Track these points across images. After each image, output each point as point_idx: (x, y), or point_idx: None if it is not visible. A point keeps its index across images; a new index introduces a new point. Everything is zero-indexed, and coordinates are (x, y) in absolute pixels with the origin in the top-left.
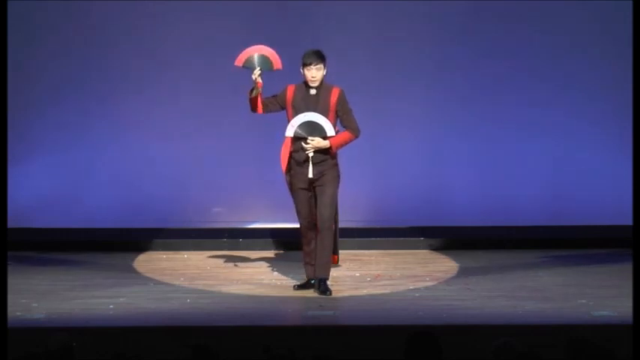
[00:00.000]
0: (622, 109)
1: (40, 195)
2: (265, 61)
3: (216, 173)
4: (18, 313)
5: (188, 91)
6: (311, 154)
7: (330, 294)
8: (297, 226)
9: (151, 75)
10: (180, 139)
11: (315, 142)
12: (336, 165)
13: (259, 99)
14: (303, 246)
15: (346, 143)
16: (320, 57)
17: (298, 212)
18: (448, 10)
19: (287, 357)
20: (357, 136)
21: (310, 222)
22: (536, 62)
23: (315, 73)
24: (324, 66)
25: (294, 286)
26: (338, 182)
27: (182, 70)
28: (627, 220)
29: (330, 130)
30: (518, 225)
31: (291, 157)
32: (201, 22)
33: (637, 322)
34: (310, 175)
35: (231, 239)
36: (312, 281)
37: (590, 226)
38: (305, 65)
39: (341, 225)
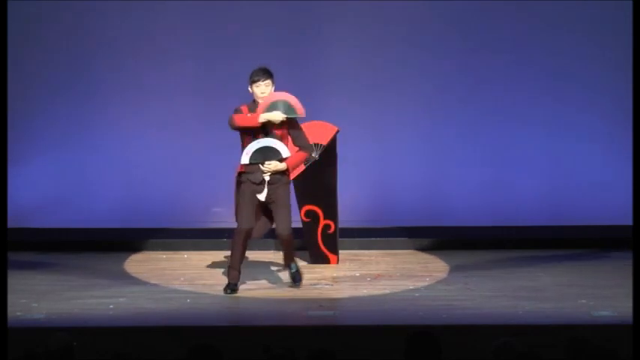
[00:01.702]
0: (622, 110)
1: (40, 195)
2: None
3: (215, 173)
4: (18, 313)
5: (188, 91)
6: (267, 178)
7: (300, 281)
8: (297, 225)
9: (151, 75)
10: (181, 139)
11: (273, 165)
12: (288, 183)
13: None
14: (233, 250)
15: (301, 162)
16: (268, 73)
17: (241, 215)
18: (448, 9)
19: (287, 357)
20: (311, 154)
21: (250, 229)
22: (536, 63)
23: (264, 89)
24: (273, 82)
25: (226, 290)
26: (289, 196)
27: (182, 70)
28: (627, 220)
29: (285, 152)
30: (518, 225)
31: (243, 174)
32: (201, 22)
33: (637, 322)
34: (262, 199)
35: (231, 239)
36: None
37: (590, 226)
38: (254, 82)
39: (341, 225)
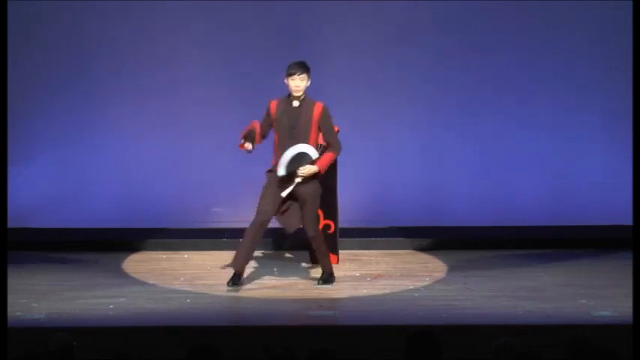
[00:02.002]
0: (623, 110)
1: (40, 195)
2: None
3: (216, 173)
4: (18, 313)
5: (188, 91)
6: (298, 180)
7: (333, 281)
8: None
9: (151, 75)
10: (180, 139)
11: (306, 170)
12: (317, 180)
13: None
14: (243, 239)
15: (330, 163)
16: (304, 67)
17: (261, 206)
18: (448, 9)
19: (287, 357)
20: (338, 154)
21: (266, 220)
22: (536, 63)
23: (299, 83)
24: (308, 77)
25: (228, 282)
26: (319, 196)
27: (182, 70)
28: (627, 220)
29: (314, 154)
30: (518, 225)
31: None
32: (201, 22)
33: (637, 322)
34: (284, 195)
35: (231, 239)
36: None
37: (590, 226)
38: (289, 75)
39: (341, 225)
